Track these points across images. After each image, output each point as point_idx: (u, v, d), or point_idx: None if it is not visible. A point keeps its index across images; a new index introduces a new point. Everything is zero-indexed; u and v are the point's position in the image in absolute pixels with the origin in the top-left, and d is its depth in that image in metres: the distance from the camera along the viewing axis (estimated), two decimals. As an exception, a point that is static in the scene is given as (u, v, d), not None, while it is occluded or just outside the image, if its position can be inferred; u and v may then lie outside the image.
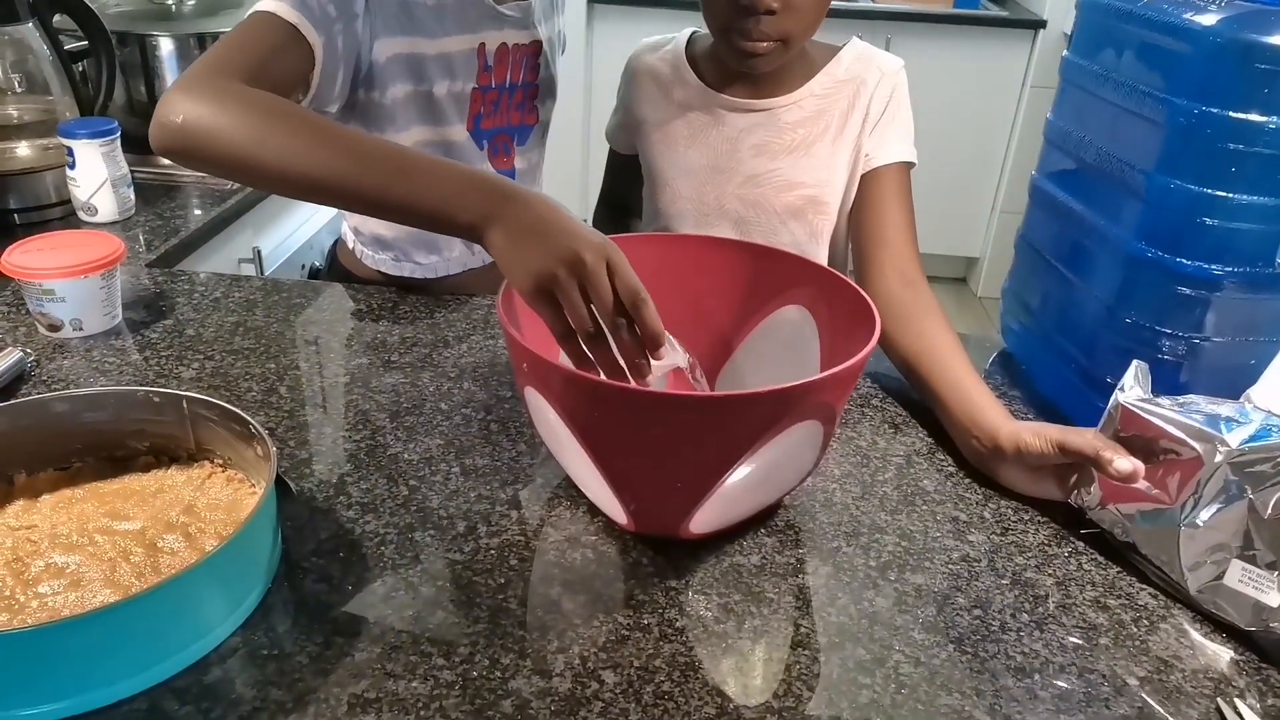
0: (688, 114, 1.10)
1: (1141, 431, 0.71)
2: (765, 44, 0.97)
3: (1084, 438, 0.73)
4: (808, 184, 1.07)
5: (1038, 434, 0.76)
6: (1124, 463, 0.70)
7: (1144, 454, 0.71)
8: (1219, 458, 0.66)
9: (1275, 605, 0.65)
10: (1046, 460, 0.76)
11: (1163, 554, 0.69)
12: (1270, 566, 0.65)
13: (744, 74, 1.06)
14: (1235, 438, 0.66)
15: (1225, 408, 0.70)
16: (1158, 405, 0.72)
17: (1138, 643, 0.66)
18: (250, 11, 0.89)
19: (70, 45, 1.39)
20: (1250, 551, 0.66)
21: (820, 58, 1.08)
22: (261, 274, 1.47)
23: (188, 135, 0.80)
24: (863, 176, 1.07)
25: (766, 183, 1.08)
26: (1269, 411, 0.70)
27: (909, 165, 1.07)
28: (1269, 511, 0.64)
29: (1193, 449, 0.67)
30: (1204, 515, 0.67)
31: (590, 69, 3.19)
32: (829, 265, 1.11)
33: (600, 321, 0.69)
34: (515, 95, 1.12)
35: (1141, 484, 0.70)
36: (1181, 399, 0.73)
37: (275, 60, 0.86)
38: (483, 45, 1.06)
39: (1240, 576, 0.66)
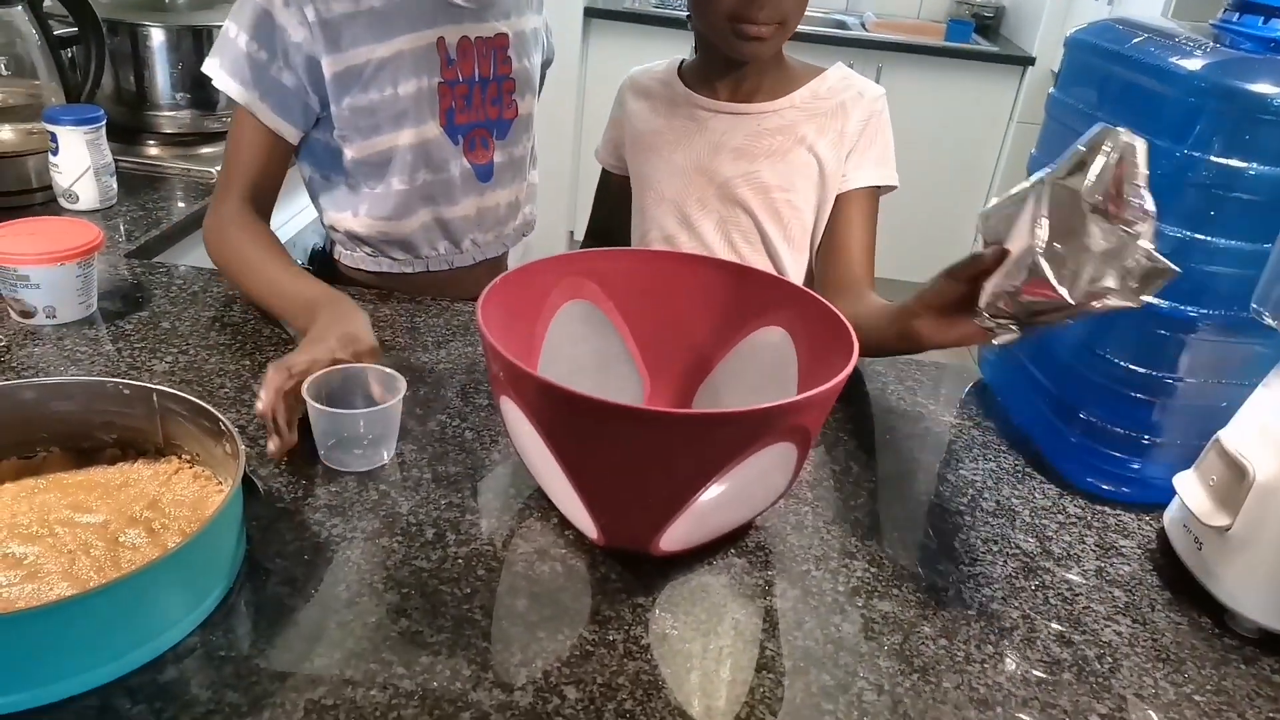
0: (674, 120, 1.14)
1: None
2: (769, 27, 1.02)
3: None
4: (782, 187, 1.11)
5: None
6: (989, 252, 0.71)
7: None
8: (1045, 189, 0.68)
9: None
10: (942, 292, 0.78)
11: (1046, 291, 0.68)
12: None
13: (730, 82, 1.11)
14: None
15: None
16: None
17: (1100, 679, 0.66)
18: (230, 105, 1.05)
19: (60, 30, 1.37)
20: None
21: (804, 75, 1.13)
22: (242, 270, 1.46)
23: (209, 255, 1.08)
24: (837, 197, 1.11)
25: (745, 184, 1.11)
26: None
27: (879, 189, 1.12)
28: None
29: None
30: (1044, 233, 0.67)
31: (584, 81, 3.20)
32: (806, 270, 1.15)
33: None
34: (489, 89, 1.13)
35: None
36: None
37: (267, 163, 1.07)
38: (441, 39, 1.08)
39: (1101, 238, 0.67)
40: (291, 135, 1.06)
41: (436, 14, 1.07)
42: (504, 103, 1.15)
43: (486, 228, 1.20)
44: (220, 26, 1.49)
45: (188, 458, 0.74)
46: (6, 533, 0.67)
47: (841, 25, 3.36)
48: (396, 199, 1.11)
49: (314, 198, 1.17)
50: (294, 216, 1.70)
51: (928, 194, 3.16)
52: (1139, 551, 0.80)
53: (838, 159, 1.10)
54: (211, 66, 1.04)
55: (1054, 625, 0.71)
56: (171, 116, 1.53)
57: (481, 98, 1.13)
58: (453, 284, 1.17)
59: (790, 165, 1.10)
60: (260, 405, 0.77)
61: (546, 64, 1.29)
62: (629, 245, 1.23)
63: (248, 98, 1.02)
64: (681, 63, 1.18)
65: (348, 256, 1.15)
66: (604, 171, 1.27)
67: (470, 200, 1.16)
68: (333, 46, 1.02)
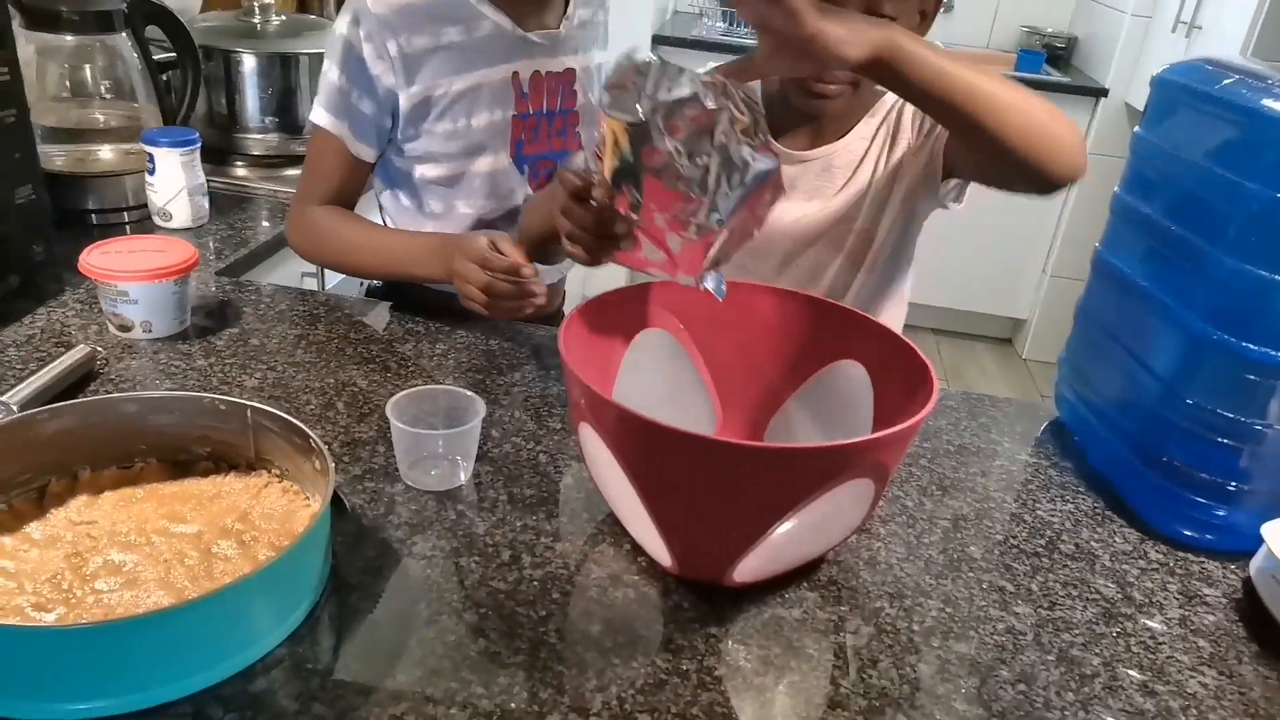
0: None
1: None
2: (836, 86, 0.98)
3: None
4: (849, 216, 1.07)
5: None
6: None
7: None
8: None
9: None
10: None
11: None
12: None
13: (807, 130, 1.08)
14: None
15: None
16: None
17: (1184, 732, 0.65)
18: (309, 125, 1.11)
19: (159, 56, 1.44)
20: None
21: (873, 99, 1.08)
22: (323, 289, 1.50)
23: (298, 252, 1.18)
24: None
25: (810, 222, 1.09)
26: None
27: None
28: None
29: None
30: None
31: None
32: (865, 288, 1.11)
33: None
34: (555, 122, 1.17)
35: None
36: None
37: (347, 178, 1.12)
38: (516, 74, 1.12)
39: None
40: (370, 156, 1.11)
41: (512, 49, 1.11)
42: (569, 135, 1.19)
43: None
44: (308, 54, 1.55)
45: (277, 472, 0.77)
46: (108, 540, 0.70)
47: (909, 54, 3.35)
48: (461, 223, 1.16)
49: (384, 213, 1.22)
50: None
51: (998, 226, 3.12)
52: (1224, 601, 0.78)
53: (905, 148, 1.05)
54: (315, 107, 1.10)
55: (1136, 674, 0.69)
56: (260, 139, 1.59)
57: (549, 130, 1.16)
58: None
59: (858, 189, 1.07)
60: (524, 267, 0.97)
61: None
62: None
63: (337, 127, 1.08)
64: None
65: None
66: None
67: None
68: (411, 79, 1.07)
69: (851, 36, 0.73)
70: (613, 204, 0.76)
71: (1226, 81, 0.84)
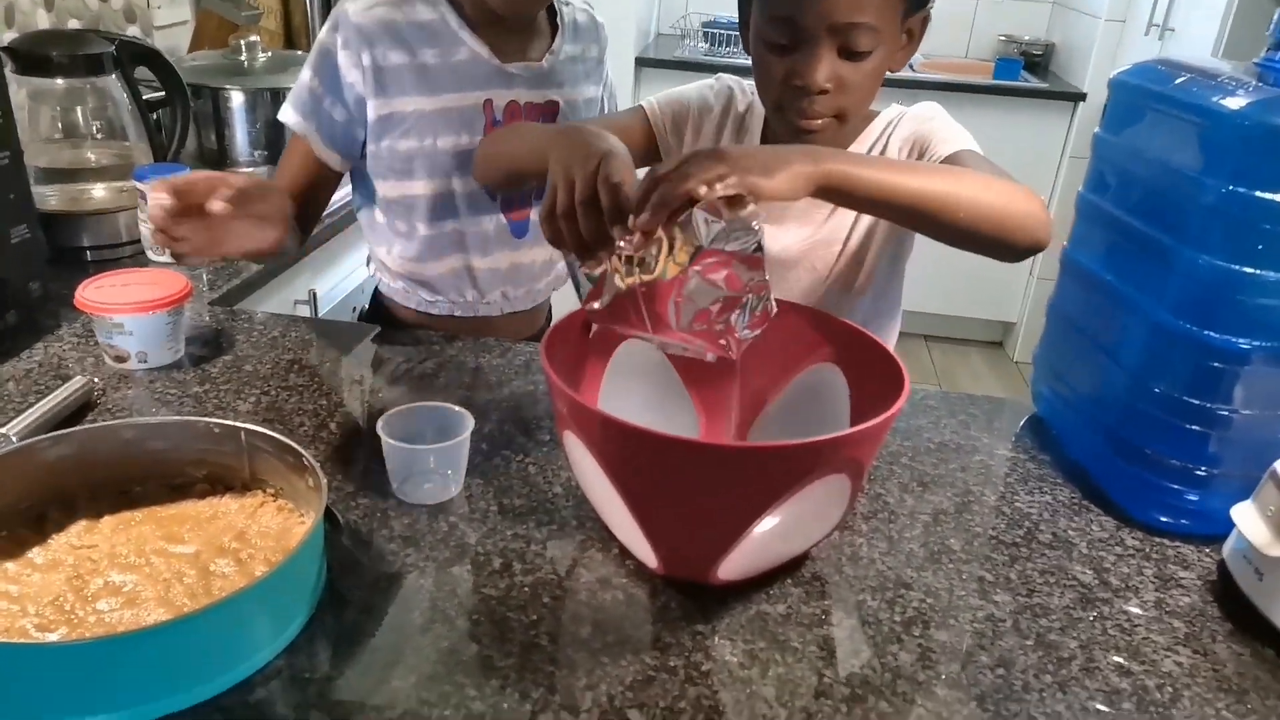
0: None
1: None
2: (820, 121, 0.98)
3: None
4: (838, 239, 1.09)
5: None
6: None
7: None
8: None
9: None
10: None
11: None
12: None
13: None
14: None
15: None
16: None
17: (1160, 710, 0.67)
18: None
19: (148, 95, 1.47)
20: None
21: (860, 127, 1.09)
22: (316, 315, 1.53)
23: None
24: None
25: (799, 248, 1.10)
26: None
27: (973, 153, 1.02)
28: None
29: None
30: None
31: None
32: (857, 311, 1.12)
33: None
34: None
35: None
36: None
37: (311, 184, 1.14)
38: (489, 102, 1.13)
39: None
40: (337, 164, 1.13)
41: (489, 78, 1.12)
42: None
43: (519, 283, 1.24)
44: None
45: (272, 491, 0.79)
46: (108, 562, 0.72)
47: (890, 67, 3.40)
48: (421, 243, 1.17)
49: (364, 230, 1.25)
50: (360, 266, 1.77)
51: (981, 231, 3.15)
52: (1199, 583, 0.80)
53: None
54: (284, 106, 1.13)
55: (1113, 656, 0.71)
56: (249, 172, 1.62)
57: None
58: (486, 331, 1.21)
59: (847, 215, 1.08)
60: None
61: None
62: None
63: (304, 127, 1.11)
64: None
65: (385, 288, 1.24)
66: None
67: (502, 254, 1.20)
68: (380, 91, 1.09)
69: (791, 183, 0.77)
70: (622, 237, 0.76)
71: (1179, 80, 0.86)
